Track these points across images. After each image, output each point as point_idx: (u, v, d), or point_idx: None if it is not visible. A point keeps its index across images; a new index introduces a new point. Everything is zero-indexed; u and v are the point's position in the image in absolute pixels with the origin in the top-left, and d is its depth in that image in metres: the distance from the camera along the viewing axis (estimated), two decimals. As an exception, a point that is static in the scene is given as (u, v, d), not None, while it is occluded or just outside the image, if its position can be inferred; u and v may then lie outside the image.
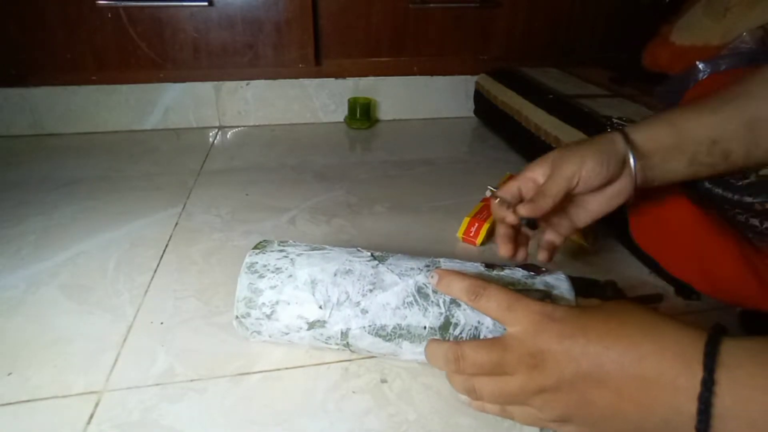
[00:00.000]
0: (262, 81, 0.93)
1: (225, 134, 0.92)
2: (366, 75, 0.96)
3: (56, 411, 0.36)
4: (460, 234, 0.58)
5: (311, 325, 0.38)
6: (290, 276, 0.39)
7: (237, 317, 0.40)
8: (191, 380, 0.39)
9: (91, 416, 0.36)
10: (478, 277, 0.37)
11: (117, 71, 0.87)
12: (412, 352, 0.38)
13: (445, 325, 0.37)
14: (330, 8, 0.90)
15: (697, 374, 0.26)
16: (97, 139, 0.88)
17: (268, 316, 0.39)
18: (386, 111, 1.01)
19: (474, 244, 0.57)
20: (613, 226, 0.58)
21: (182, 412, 0.36)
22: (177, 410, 0.37)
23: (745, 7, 0.74)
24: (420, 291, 0.38)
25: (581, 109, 0.72)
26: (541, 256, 0.47)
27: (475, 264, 0.41)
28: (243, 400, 0.37)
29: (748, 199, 0.42)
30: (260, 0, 0.86)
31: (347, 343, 0.38)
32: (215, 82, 0.92)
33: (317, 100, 0.97)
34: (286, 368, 0.40)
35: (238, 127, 0.95)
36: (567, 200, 0.44)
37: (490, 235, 0.58)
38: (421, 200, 0.68)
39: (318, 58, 0.93)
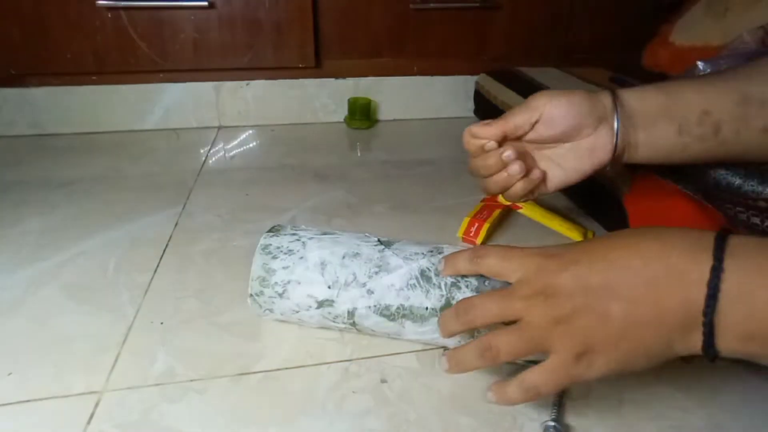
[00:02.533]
0: (262, 81, 0.93)
1: (225, 134, 0.92)
2: (366, 75, 0.96)
3: (56, 411, 0.36)
4: (460, 234, 0.58)
5: (320, 304, 0.41)
6: (301, 258, 0.41)
7: (251, 295, 0.42)
8: (191, 380, 0.39)
9: (91, 416, 0.36)
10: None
11: (117, 71, 0.87)
12: (414, 332, 0.40)
13: (446, 306, 0.39)
14: (330, 8, 0.90)
15: (706, 263, 0.26)
16: (97, 139, 0.88)
17: (280, 295, 0.41)
18: (386, 111, 1.01)
19: (474, 244, 0.57)
20: (612, 225, 0.58)
21: (182, 412, 0.36)
22: (177, 410, 0.37)
23: (745, 7, 0.74)
24: (423, 274, 0.40)
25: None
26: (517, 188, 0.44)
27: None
28: (243, 400, 0.38)
29: (758, 188, 0.42)
30: (260, 0, 0.86)
31: (353, 322, 0.41)
32: (215, 82, 0.92)
33: (317, 100, 0.97)
34: (286, 368, 0.40)
35: (238, 127, 0.95)
36: (537, 142, 0.44)
37: (491, 235, 0.58)
38: (421, 200, 0.68)
39: (318, 58, 0.93)
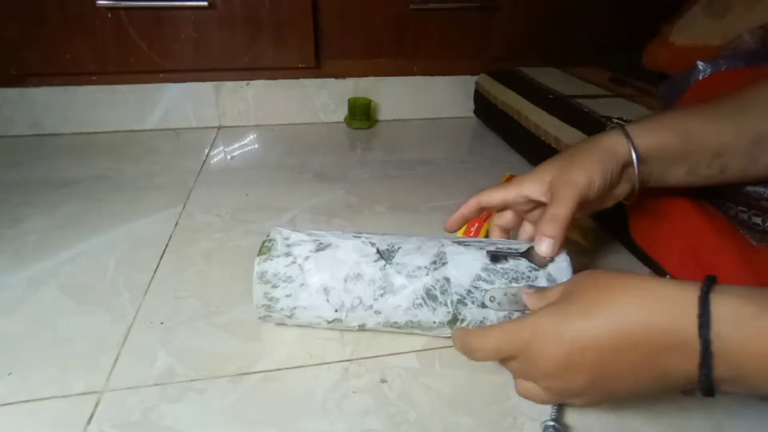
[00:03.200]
0: (262, 81, 0.93)
1: (225, 134, 0.92)
2: (366, 75, 0.96)
3: (56, 411, 0.36)
4: (460, 234, 0.58)
5: (330, 322, 0.42)
6: (302, 285, 0.41)
7: (260, 317, 0.43)
8: (191, 380, 0.39)
9: (91, 416, 0.36)
10: (483, 270, 0.40)
11: (117, 71, 0.87)
12: (427, 329, 0.41)
13: (453, 321, 0.40)
14: (330, 8, 0.90)
15: (694, 294, 0.27)
16: (97, 139, 0.88)
17: (289, 317, 0.42)
18: (386, 111, 1.01)
19: (474, 244, 0.57)
20: (613, 226, 0.58)
21: (182, 412, 0.36)
22: (177, 410, 0.37)
23: (745, 7, 0.74)
24: (428, 293, 0.40)
25: (581, 109, 0.72)
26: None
27: (482, 254, 0.41)
28: (243, 400, 0.38)
29: (761, 189, 0.42)
30: (260, 0, 0.86)
31: (365, 329, 0.43)
32: (215, 82, 0.91)
33: (317, 100, 0.97)
34: (286, 368, 0.40)
35: (238, 127, 0.95)
36: None
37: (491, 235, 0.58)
38: (421, 200, 0.68)
39: (318, 58, 0.93)
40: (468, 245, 0.42)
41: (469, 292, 0.39)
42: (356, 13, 0.91)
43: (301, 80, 0.94)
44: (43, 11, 0.80)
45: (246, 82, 0.93)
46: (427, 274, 0.40)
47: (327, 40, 0.93)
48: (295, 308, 0.41)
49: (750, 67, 0.50)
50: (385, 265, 0.41)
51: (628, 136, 0.40)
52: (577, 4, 0.99)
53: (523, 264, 0.40)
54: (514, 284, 0.39)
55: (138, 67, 0.87)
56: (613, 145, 0.40)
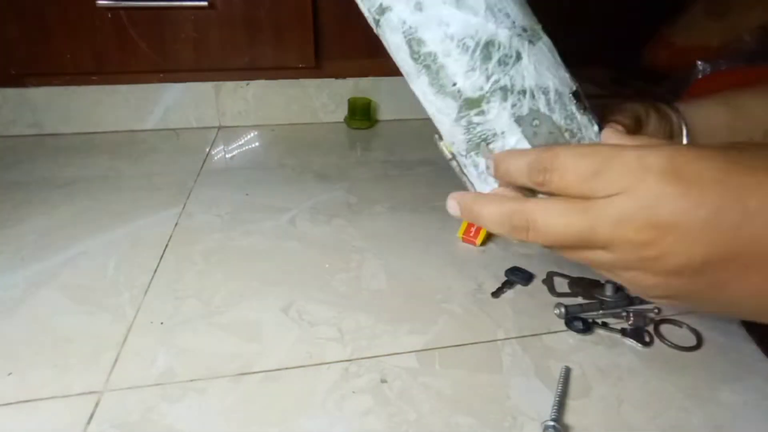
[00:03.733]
0: (262, 81, 0.93)
1: (225, 134, 0.92)
2: (366, 75, 0.96)
3: (56, 411, 0.36)
4: (460, 234, 0.58)
5: None
6: None
7: None
8: (191, 380, 0.39)
9: (91, 416, 0.36)
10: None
11: (117, 71, 0.87)
12: (422, 90, 0.32)
13: (472, 103, 0.30)
14: (330, 8, 0.90)
15: None
16: (97, 139, 0.88)
17: None
18: (386, 111, 1.01)
19: (474, 244, 0.57)
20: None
21: (182, 412, 0.36)
22: (177, 410, 0.37)
23: (745, 7, 0.74)
24: (488, 45, 0.29)
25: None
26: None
27: (569, 81, 0.31)
28: (243, 400, 0.38)
29: None
30: (260, 0, 0.86)
31: (378, 21, 0.33)
32: (215, 82, 0.91)
33: (317, 100, 0.97)
34: (286, 368, 0.40)
35: (238, 127, 0.95)
36: None
37: (490, 235, 0.58)
38: (421, 200, 0.68)
39: (318, 58, 0.93)
40: (565, 62, 0.32)
41: (524, 93, 0.29)
42: (356, 13, 0.91)
43: (301, 80, 0.94)
44: (43, 11, 0.80)
45: (246, 82, 0.93)
46: (509, 29, 0.29)
47: (327, 40, 0.93)
48: None
49: (750, 66, 0.50)
50: None
51: (675, 109, 0.37)
52: (576, 4, 0.99)
53: (591, 131, 0.30)
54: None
55: (138, 67, 0.87)
56: (666, 111, 0.37)
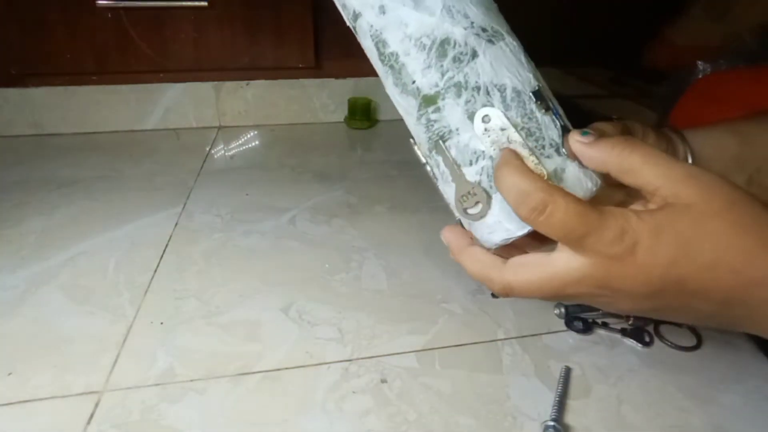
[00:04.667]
0: (262, 81, 0.93)
1: (225, 134, 0.92)
2: (366, 75, 0.96)
3: (56, 411, 0.36)
4: (460, 234, 0.58)
5: None
6: None
7: None
8: (191, 380, 0.39)
9: (91, 416, 0.36)
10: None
11: (117, 71, 0.87)
12: (391, 92, 0.34)
13: (429, 100, 0.31)
14: (330, 8, 0.89)
15: None
16: (97, 139, 0.88)
17: None
18: (386, 111, 1.01)
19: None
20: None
21: (182, 412, 0.36)
22: (177, 410, 0.37)
23: (745, 7, 0.74)
24: (444, 44, 0.30)
25: (581, 109, 0.72)
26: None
27: (530, 80, 0.31)
28: (243, 400, 0.38)
29: None
30: (260, 0, 0.86)
31: (354, 27, 0.34)
32: (215, 82, 0.91)
33: (317, 100, 0.97)
34: (286, 368, 0.40)
35: (238, 127, 0.95)
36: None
37: (490, 235, 0.58)
38: (421, 200, 0.68)
39: (318, 58, 0.93)
40: (531, 64, 0.32)
41: (478, 90, 0.30)
42: (356, 13, 0.91)
43: (301, 80, 0.94)
44: (43, 11, 0.80)
45: (246, 82, 0.93)
46: (465, 28, 0.30)
47: (327, 40, 0.93)
48: None
49: (750, 66, 0.50)
50: None
51: (680, 134, 0.37)
52: (577, 4, 0.99)
53: (553, 131, 0.30)
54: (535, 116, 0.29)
55: (138, 67, 0.87)
56: (669, 138, 0.37)
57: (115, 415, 0.36)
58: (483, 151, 0.30)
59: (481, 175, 0.30)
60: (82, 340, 0.43)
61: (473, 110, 0.30)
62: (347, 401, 0.38)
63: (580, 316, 0.46)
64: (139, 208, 0.64)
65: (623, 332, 0.44)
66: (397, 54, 0.31)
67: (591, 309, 0.46)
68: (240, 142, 0.89)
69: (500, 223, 0.30)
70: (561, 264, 0.28)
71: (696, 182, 0.26)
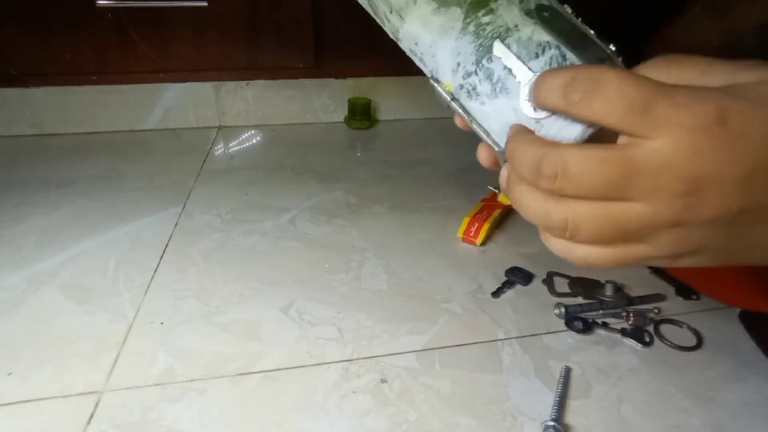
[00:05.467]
0: (262, 81, 0.93)
1: (225, 134, 0.92)
2: (366, 75, 0.96)
3: (56, 411, 0.36)
4: (460, 234, 0.58)
5: None
6: None
7: None
8: (191, 380, 0.39)
9: (91, 416, 0.36)
10: None
11: (117, 71, 0.87)
12: (421, 18, 0.31)
13: (480, 4, 0.29)
14: (330, 8, 0.90)
15: None
16: (97, 139, 0.88)
17: None
18: (386, 111, 1.01)
19: (474, 244, 0.57)
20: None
21: (182, 412, 0.36)
22: (177, 410, 0.37)
23: (745, 7, 0.74)
24: None
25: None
26: None
27: None
28: (243, 400, 0.38)
29: None
30: (260, 0, 0.86)
31: None
32: (215, 82, 0.91)
33: (317, 100, 0.97)
34: (286, 368, 0.40)
35: (238, 127, 0.95)
36: None
37: (490, 235, 0.58)
38: (421, 200, 0.68)
39: (318, 58, 0.93)
40: None
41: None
42: (356, 13, 0.91)
43: (301, 80, 0.94)
44: (43, 11, 0.80)
45: (246, 82, 0.93)
46: None
47: (327, 40, 0.93)
48: None
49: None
50: None
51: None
52: (576, 4, 0.99)
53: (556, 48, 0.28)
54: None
55: (138, 67, 0.87)
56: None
57: (115, 415, 0.36)
58: (548, 41, 0.28)
59: (551, 64, 0.28)
60: (82, 340, 0.43)
61: (529, 7, 0.29)
62: (347, 401, 0.38)
63: (580, 316, 0.46)
64: (139, 208, 0.64)
65: (623, 332, 0.44)
66: None
67: (591, 309, 0.46)
68: (240, 142, 0.89)
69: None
70: (637, 147, 0.21)
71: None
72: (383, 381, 0.39)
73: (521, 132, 0.26)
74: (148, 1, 0.82)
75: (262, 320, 0.45)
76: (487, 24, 0.30)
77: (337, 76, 0.96)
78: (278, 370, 0.40)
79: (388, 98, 0.99)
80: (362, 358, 0.42)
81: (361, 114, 0.95)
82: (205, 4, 0.83)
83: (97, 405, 0.37)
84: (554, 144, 0.24)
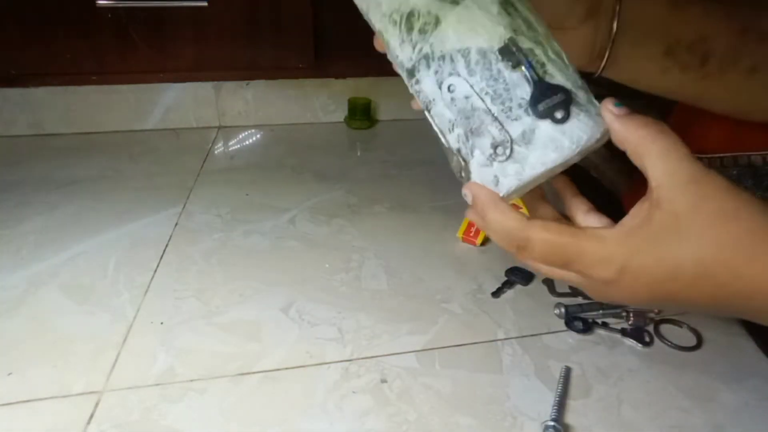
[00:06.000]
0: (262, 81, 0.93)
1: (225, 134, 0.92)
2: (366, 75, 0.96)
3: (56, 411, 0.36)
4: (460, 234, 0.58)
5: None
6: None
7: None
8: (191, 380, 0.39)
9: (91, 416, 0.36)
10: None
11: (117, 71, 0.87)
12: (394, 61, 0.34)
13: (410, 73, 0.32)
14: (330, 8, 0.90)
15: None
16: (97, 139, 0.88)
17: None
18: (386, 111, 1.01)
19: (474, 244, 0.57)
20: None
21: (182, 412, 0.36)
22: (177, 410, 0.37)
23: (745, 7, 0.74)
24: (410, 16, 0.31)
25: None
26: None
27: (499, 34, 0.29)
28: (243, 400, 0.38)
29: (752, 189, 0.40)
30: (260, 0, 0.86)
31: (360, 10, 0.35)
32: (215, 82, 0.91)
33: (317, 100, 0.97)
34: (286, 368, 0.41)
35: (238, 127, 0.95)
36: None
37: (490, 235, 0.58)
38: (421, 200, 0.68)
39: (318, 58, 0.93)
40: (508, 12, 0.30)
41: (444, 59, 0.29)
42: (356, 13, 0.91)
43: (301, 80, 0.94)
44: (43, 11, 0.80)
45: (246, 82, 0.92)
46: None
47: (327, 40, 0.93)
48: None
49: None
50: None
51: None
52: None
53: (522, 89, 0.28)
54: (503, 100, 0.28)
55: (138, 67, 0.87)
56: None
57: (115, 415, 0.36)
58: (455, 119, 0.30)
59: (458, 143, 0.31)
60: (82, 340, 0.43)
61: (441, 80, 0.30)
62: (347, 401, 0.38)
63: (580, 316, 0.46)
64: (139, 208, 0.64)
65: (623, 332, 0.44)
66: (381, 32, 0.33)
67: (591, 309, 0.46)
68: (240, 142, 0.89)
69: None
70: (582, 242, 0.28)
71: (695, 189, 0.26)
72: (383, 381, 0.39)
73: (490, 203, 0.31)
74: (148, 1, 0.82)
75: (262, 320, 0.45)
76: (419, 92, 0.32)
77: (337, 76, 0.96)
78: (278, 370, 0.40)
79: (388, 98, 0.99)
80: (362, 358, 0.42)
81: (361, 114, 0.95)
82: (205, 4, 0.83)
83: (97, 405, 0.37)
84: (520, 220, 0.29)
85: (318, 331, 0.44)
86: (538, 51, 0.29)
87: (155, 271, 0.52)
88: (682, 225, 0.26)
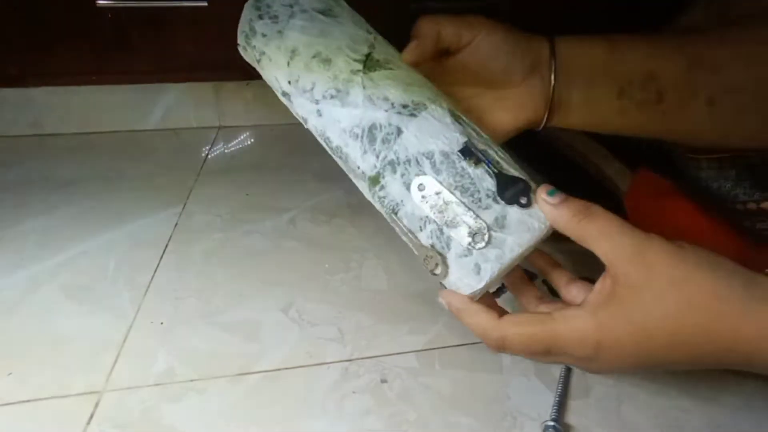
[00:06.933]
0: (262, 81, 0.93)
1: (225, 134, 0.92)
2: (366, 75, 0.96)
3: (56, 411, 0.36)
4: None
5: (283, 94, 0.40)
6: (279, 32, 0.40)
7: (239, 44, 0.43)
8: (191, 380, 0.39)
9: (91, 416, 0.36)
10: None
11: (117, 71, 0.87)
12: (350, 171, 0.37)
13: (374, 180, 0.35)
14: (330, 8, 0.90)
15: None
16: (97, 139, 0.88)
17: (258, 61, 0.42)
18: (386, 111, 1.01)
19: (474, 244, 0.57)
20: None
21: (182, 412, 0.36)
22: (177, 410, 0.37)
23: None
24: (371, 129, 0.34)
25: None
26: None
27: (457, 137, 0.33)
28: (243, 400, 0.38)
29: (750, 192, 0.41)
30: (260, 0, 0.86)
31: (307, 127, 0.39)
32: (215, 82, 0.91)
33: (317, 100, 0.97)
34: (286, 368, 0.41)
35: (238, 127, 0.95)
36: (453, 75, 0.38)
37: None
38: (421, 200, 0.68)
39: (318, 58, 0.93)
40: (460, 122, 0.34)
41: (409, 162, 0.33)
42: (356, 12, 0.91)
43: (301, 80, 0.94)
44: (43, 11, 0.80)
45: (246, 82, 0.92)
46: (386, 110, 0.34)
47: (327, 40, 0.93)
48: (263, 53, 0.41)
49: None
50: (359, 72, 0.36)
51: (548, 39, 0.37)
52: (577, 4, 0.99)
53: (487, 181, 0.32)
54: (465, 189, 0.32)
55: (138, 67, 0.87)
56: (533, 36, 0.37)
57: (115, 415, 0.36)
58: (427, 216, 0.33)
59: (431, 238, 0.33)
60: (82, 340, 0.43)
61: (409, 181, 0.33)
62: (347, 401, 0.38)
63: (580, 316, 0.46)
64: (139, 208, 0.64)
65: (623, 332, 0.44)
66: (340, 147, 0.36)
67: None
68: (240, 142, 0.89)
69: (461, 280, 0.33)
70: (557, 326, 0.30)
71: (641, 260, 0.28)
72: (383, 381, 0.39)
73: (463, 310, 0.33)
74: (148, 1, 0.82)
75: (262, 320, 0.45)
76: (383, 197, 0.35)
77: (337, 76, 0.96)
78: (278, 370, 0.40)
79: (388, 98, 0.99)
80: (362, 358, 0.42)
81: (361, 114, 0.95)
82: (205, 4, 0.83)
83: (97, 405, 0.37)
84: (492, 320, 0.31)
85: (318, 331, 0.44)
86: (491, 152, 0.33)
87: (155, 271, 0.52)
88: (642, 295, 0.28)
